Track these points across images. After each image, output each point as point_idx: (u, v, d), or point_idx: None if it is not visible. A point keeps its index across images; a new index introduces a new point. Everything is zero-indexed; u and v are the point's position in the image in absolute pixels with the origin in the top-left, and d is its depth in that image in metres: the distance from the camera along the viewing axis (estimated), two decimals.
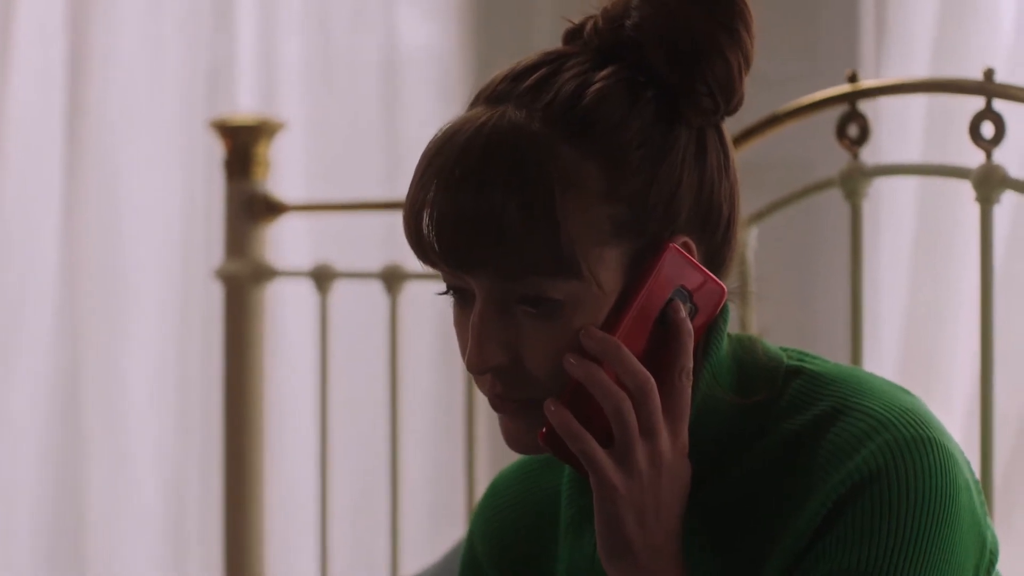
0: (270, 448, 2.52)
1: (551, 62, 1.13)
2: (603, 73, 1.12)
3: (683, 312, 1.12)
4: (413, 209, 1.11)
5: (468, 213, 1.08)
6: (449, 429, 3.02)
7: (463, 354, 1.13)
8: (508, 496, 1.32)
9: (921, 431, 1.11)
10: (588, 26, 1.15)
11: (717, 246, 1.16)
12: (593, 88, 1.11)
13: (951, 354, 2.28)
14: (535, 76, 1.12)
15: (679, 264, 1.12)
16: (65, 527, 2.93)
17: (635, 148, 1.11)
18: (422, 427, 3.04)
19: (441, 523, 2.98)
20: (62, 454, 2.93)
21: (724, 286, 1.15)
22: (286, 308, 2.93)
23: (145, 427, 2.98)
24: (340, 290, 2.45)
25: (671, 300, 1.12)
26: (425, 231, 1.10)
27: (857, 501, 1.09)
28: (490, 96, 1.13)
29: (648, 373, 1.10)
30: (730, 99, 1.14)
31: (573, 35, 1.17)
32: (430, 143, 1.13)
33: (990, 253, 1.72)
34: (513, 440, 1.15)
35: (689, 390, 1.12)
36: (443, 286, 1.15)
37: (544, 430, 1.12)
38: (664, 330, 1.12)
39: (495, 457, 2.71)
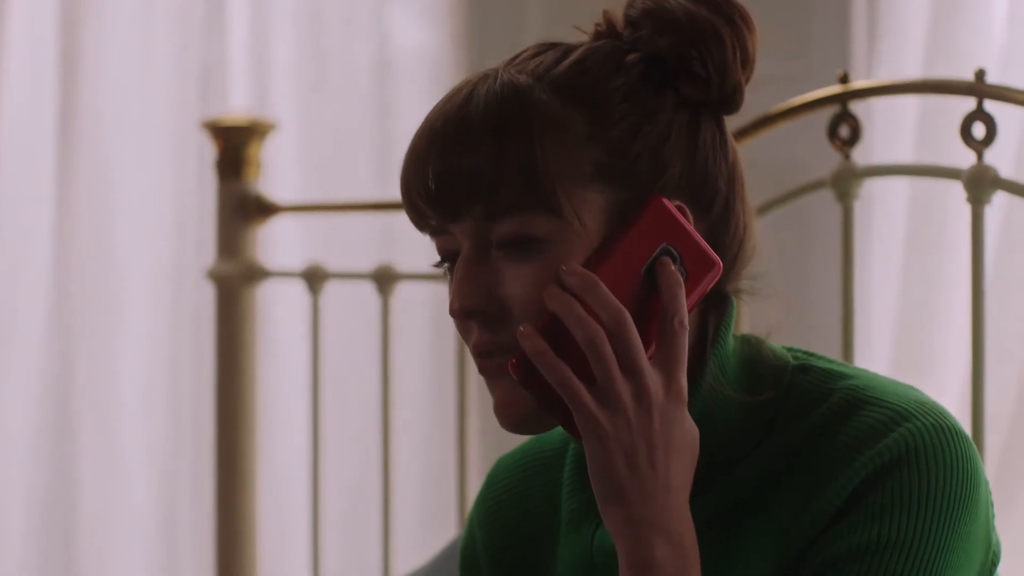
0: (262, 449, 2.52)
1: (544, 44, 1.18)
2: (593, 44, 1.17)
3: (671, 266, 1.12)
4: (406, 165, 1.15)
5: (452, 157, 1.11)
6: (441, 430, 3.01)
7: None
8: (507, 485, 1.32)
9: (942, 420, 1.12)
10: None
11: (715, 225, 1.16)
12: (580, 49, 1.16)
13: (942, 354, 2.28)
14: (526, 53, 1.17)
15: (668, 220, 1.12)
16: (57, 527, 2.93)
17: (619, 101, 1.13)
18: (414, 428, 3.04)
19: (433, 524, 2.98)
20: (54, 455, 2.93)
21: (719, 260, 1.14)
22: (278, 309, 2.93)
23: (137, 428, 2.97)
24: (332, 291, 2.46)
25: (659, 257, 1.11)
26: (415, 185, 1.13)
27: (883, 481, 1.09)
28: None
29: (623, 308, 1.09)
30: (723, 76, 1.15)
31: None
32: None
33: (981, 253, 1.72)
34: (504, 413, 1.14)
35: (685, 339, 1.10)
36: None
37: (515, 359, 1.10)
38: (654, 289, 1.12)
39: (487, 458, 2.71)
